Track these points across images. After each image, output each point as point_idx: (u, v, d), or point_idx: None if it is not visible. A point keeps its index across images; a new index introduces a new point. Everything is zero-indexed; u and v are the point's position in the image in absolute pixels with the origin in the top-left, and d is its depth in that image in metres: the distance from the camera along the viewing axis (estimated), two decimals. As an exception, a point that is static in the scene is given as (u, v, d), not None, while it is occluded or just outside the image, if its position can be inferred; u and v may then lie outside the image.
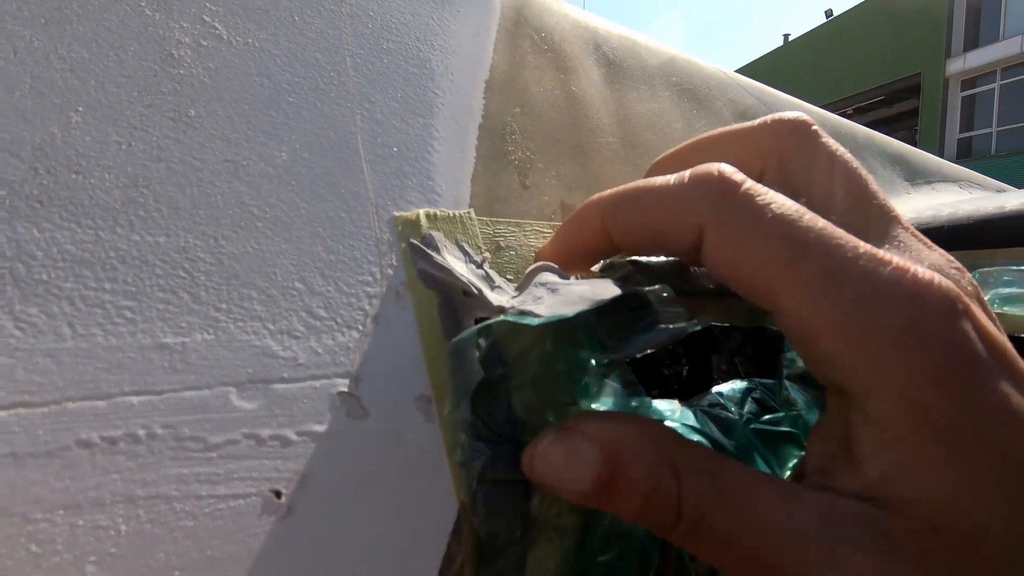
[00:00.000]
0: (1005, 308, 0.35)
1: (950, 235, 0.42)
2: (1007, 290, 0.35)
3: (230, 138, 0.26)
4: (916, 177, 0.63)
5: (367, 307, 0.27)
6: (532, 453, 0.21)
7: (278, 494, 0.22)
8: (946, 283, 0.17)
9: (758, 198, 0.18)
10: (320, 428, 0.24)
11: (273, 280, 0.25)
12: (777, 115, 0.23)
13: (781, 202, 0.18)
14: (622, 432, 0.20)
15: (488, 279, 0.29)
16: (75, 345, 0.21)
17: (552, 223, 0.35)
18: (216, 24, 0.28)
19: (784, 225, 0.17)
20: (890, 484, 0.16)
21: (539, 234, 0.34)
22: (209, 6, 0.28)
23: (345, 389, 0.25)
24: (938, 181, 0.66)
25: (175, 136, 0.25)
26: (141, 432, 0.21)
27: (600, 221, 0.23)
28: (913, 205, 0.56)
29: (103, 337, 0.21)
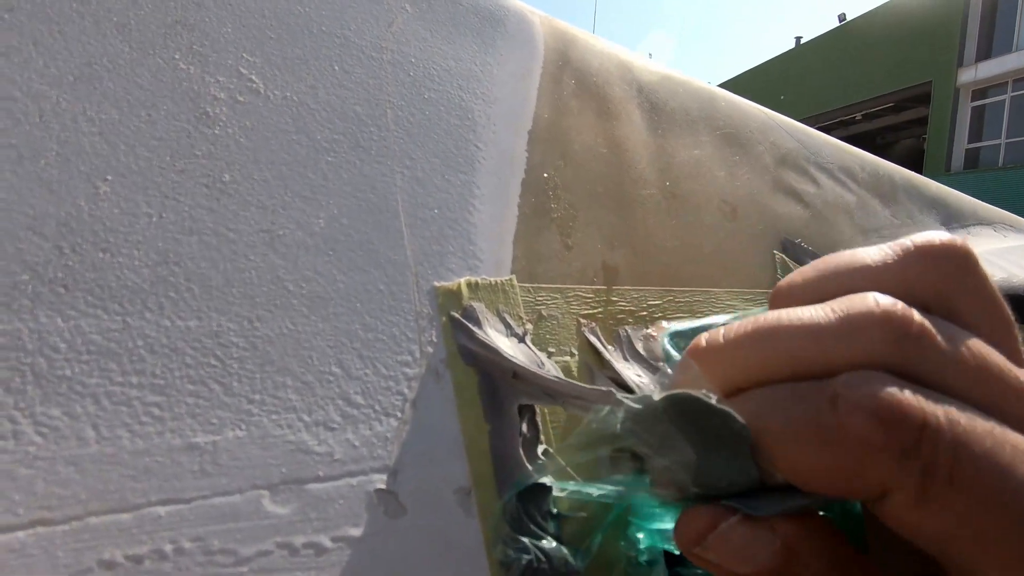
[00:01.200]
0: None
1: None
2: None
3: (266, 205, 0.24)
4: (952, 221, 0.62)
5: (406, 391, 0.25)
6: (704, 530, 0.18)
7: (312, 610, 0.21)
8: None
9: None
10: (356, 532, 0.22)
11: (309, 364, 0.23)
12: (927, 238, 0.18)
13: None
14: (803, 530, 0.18)
15: (534, 357, 0.27)
16: (99, 450, 0.19)
17: (595, 287, 0.33)
18: (253, 76, 0.26)
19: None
20: None
21: (581, 300, 0.32)
22: (247, 57, 0.26)
23: (383, 486, 0.23)
24: (973, 224, 0.64)
25: (208, 205, 0.23)
26: (168, 547, 0.19)
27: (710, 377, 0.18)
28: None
29: (129, 440, 0.19)
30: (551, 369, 0.27)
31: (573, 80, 0.37)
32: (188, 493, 0.20)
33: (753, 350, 0.17)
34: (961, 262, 0.18)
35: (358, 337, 0.25)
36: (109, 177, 0.22)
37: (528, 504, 0.24)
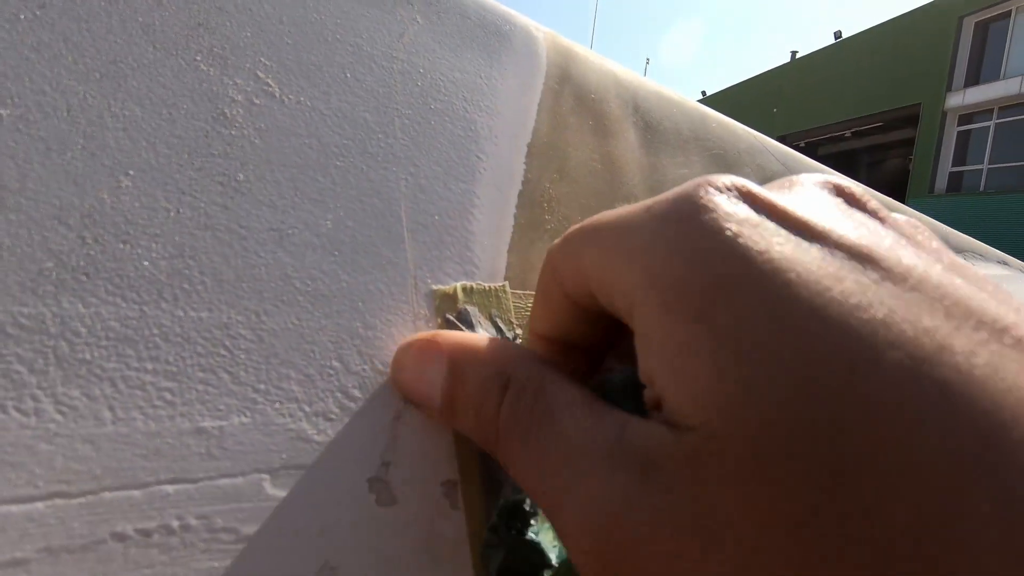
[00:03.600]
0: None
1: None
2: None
3: (277, 205, 0.26)
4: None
5: (401, 387, 0.26)
6: (392, 362, 0.21)
7: (306, 587, 0.22)
8: (686, 187, 0.16)
9: None
10: (350, 516, 0.24)
11: (311, 358, 0.25)
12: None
13: None
14: (467, 341, 0.20)
15: None
16: (114, 430, 0.20)
17: (582, 297, 0.35)
18: (269, 81, 0.27)
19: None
20: (670, 403, 0.14)
21: (569, 308, 0.34)
22: (264, 61, 0.27)
23: (375, 475, 0.25)
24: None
25: (223, 202, 0.24)
26: (175, 523, 0.20)
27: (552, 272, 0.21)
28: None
29: (143, 421, 0.21)
30: None
31: (572, 96, 0.39)
32: (195, 473, 0.21)
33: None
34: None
35: (358, 335, 0.26)
36: (131, 172, 0.23)
37: (512, 519, 0.26)
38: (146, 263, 0.22)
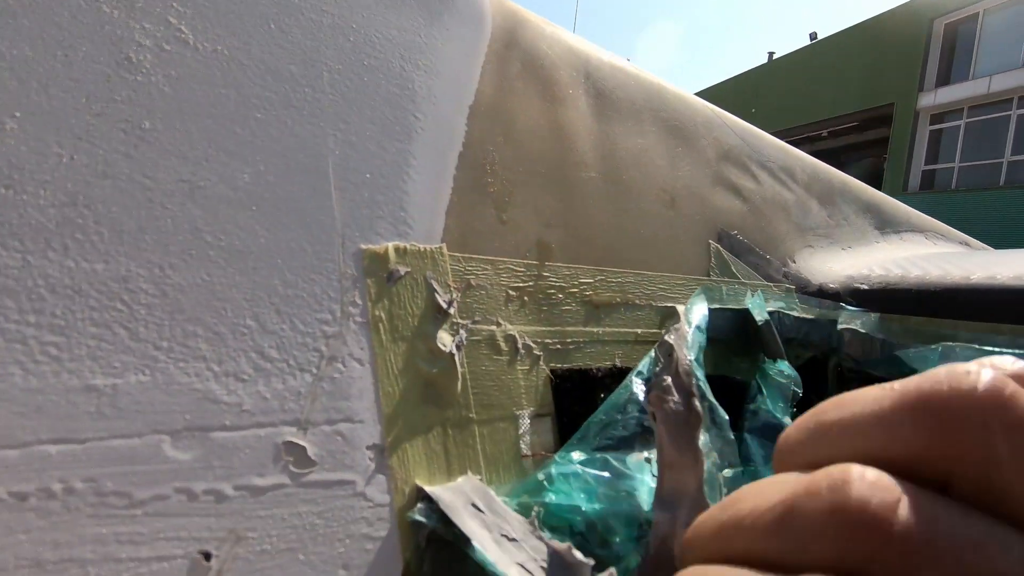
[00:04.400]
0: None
1: (917, 300, 0.43)
2: (966, 368, 0.36)
3: (188, 156, 0.24)
4: (886, 226, 0.65)
5: (323, 348, 0.25)
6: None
7: (207, 556, 0.21)
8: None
9: None
10: (261, 481, 0.22)
11: (222, 316, 0.23)
12: (935, 385, 0.13)
13: None
14: None
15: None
16: (-12, 386, 0.18)
17: (527, 262, 0.33)
18: (183, 27, 0.25)
19: None
20: None
21: (512, 273, 0.32)
22: (176, 6, 0.25)
23: (292, 439, 0.23)
24: (906, 231, 0.67)
25: (125, 150, 0.23)
26: (57, 486, 0.19)
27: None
28: (881, 256, 0.57)
29: (22, 377, 0.19)
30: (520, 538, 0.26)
31: (520, 61, 0.37)
32: (83, 433, 0.19)
33: (717, 539, 0.15)
34: (991, 418, 0.13)
35: (277, 293, 0.25)
36: (17, 114, 0.21)
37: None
38: (31, 210, 0.21)
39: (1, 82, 0.21)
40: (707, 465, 0.29)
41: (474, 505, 0.26)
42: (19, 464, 0.18)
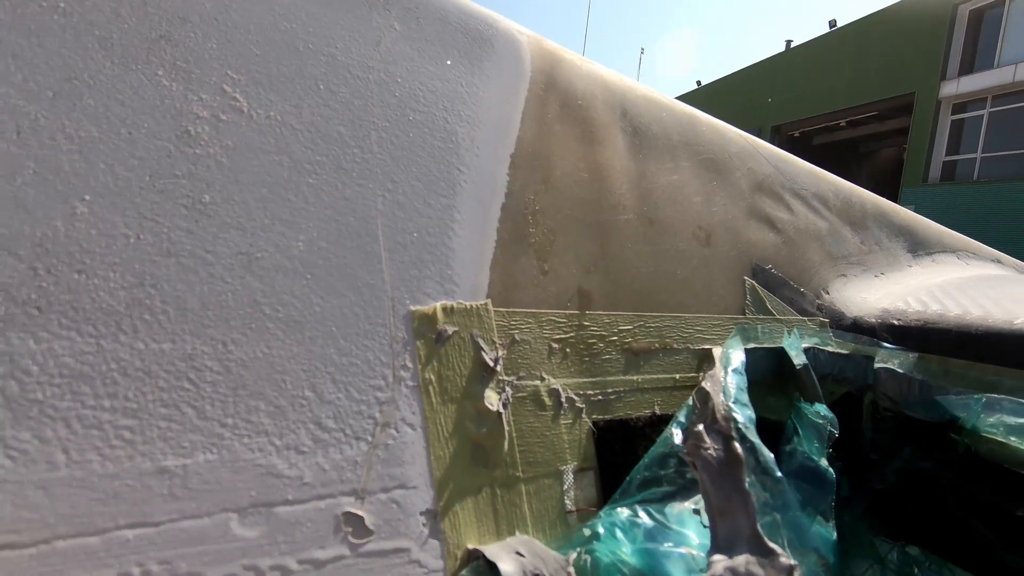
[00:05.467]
0: (1011, 438, 0.36)
1: (957, 343, 0.42)
2: (1013, 419, 0.36)
3: (245, 227, 0.25)
4: (918, 248, 0.64)
5: (377, 415, 0.25)
6: None
7: (276, 631, 0.21)
8: None
9: None
10: (322, 554, 0.23)
11: (282, 389, 0.24)
12: None
13: None
14: None
15: None
16: (69, 474, 0.19)
17: (568, 312, 0.34)
18: (237, 95, 0.26)
19: None
20: None
21: (555, 325, 0.33)
22: (231, 74, 0.26)
23: (350, 509, 0.24)
24: (938, 252, 0.66)
25: (187, 226, 0.23)
26: (135, 570, 0.19)
27: None
28: (915, 283, 0.57)
29: (99, 463, 0.20)
30: None
31: (558, 103, 0.37)
32: (157, 516, 0.20)
33: None
34: None
35: (332, 361, 0.25)
36: (87, 197, 0.22)
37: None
38: (103, 294, 0.21)
39: (71, 165, 0.22)
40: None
41: (518, 552, 0.26)
42: (100, 551, 0.19)
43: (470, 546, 0.26)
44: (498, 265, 0.31)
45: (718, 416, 0.33)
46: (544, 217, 0.34)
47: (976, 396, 0.38)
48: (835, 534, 0.36)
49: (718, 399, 0.34)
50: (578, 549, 0.27)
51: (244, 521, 0.21)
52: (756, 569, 0.26)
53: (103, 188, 0.22)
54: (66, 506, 0.19)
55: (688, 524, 0.30)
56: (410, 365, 0.27)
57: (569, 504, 0.30)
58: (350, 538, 0.23)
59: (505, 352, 0.30)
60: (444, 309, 0.29)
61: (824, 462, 0.38)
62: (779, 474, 0.33)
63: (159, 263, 0.22)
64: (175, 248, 0.23)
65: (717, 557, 0.27)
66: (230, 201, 0.24)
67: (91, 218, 0.21)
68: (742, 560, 0.26)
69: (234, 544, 0.21)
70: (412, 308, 0.28)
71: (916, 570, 0.43)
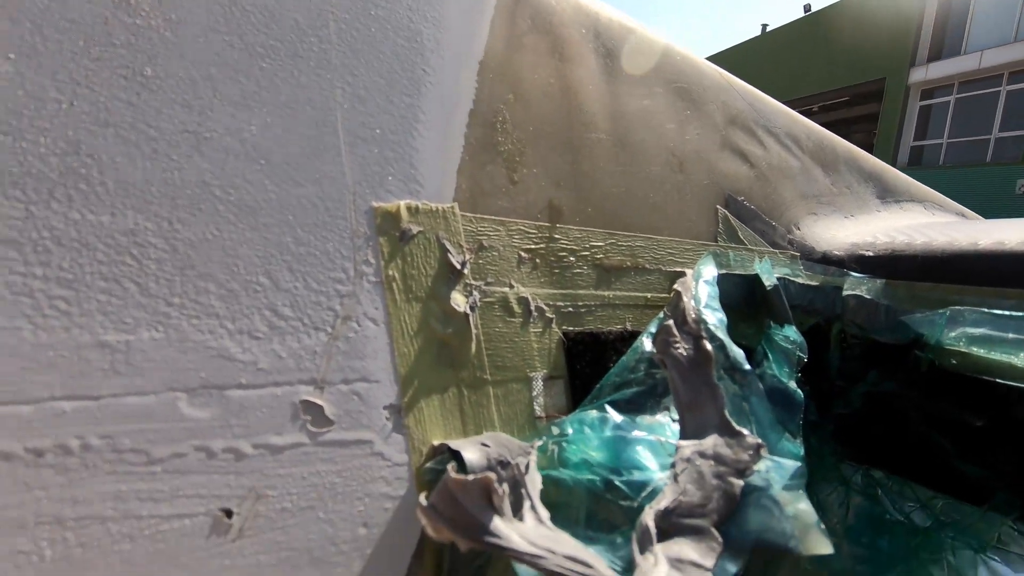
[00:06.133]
0: (972, 348, 0.36)
1: (923, 266, 0.43)
2: (975, 330, 0.36)
3: (192, 105, 0.23)
4: (887, 195, 0.65)
5: (338, 307, 0.24)
6: None
7: (229, 513, 0.20)
8: None
9: None
10: (279, 440, 0.22)
11: (234, 273, 0.22)
12: None
13: None
14: None
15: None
16: (-4, 340, 0.18)
17: (539, 223, 0.33)
18: (181, -32, 0.24)
19: None
20: None
21: (524, 235, 0.32)
22: (174, -54, 0.24)
23: (309, 397, 0.23)
24: (906, 201, 0.67)
25: (126, 98, 0.22)
26: (74, 443, 0.18)
27: None
28: (884, 224, 0.57)
29: (31, 332, 0.18)
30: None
31: (528, 17, 0.36)
32: (97, 390, 0.19)
33: None
34: None
35: (289, 250, 0.24)
36: (12, 56, 0.20)
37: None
38: (32, 158, 0.20)
39: None
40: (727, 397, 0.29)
41: (483, 444, 0.25)
42: (33, 420, 0.18)
43: (435, 442, 0.25)
44: (465, 170, 0.30)
45: (688, 318, 0.33)
46: (514, 128, 0.33)
47: (940, 312, 0.38)
48: (803, 450, 0.37)
49: (689, 302, 0.34)
50: (544, 438, 0.26)
51: (193, 402, 0.20)
52: (723, 450, 0.26)
53: (29, 48, 0.20)
54: (-7, 372, 0.17)
55: (658, 418, 0.30)
56: (372, 261, 0.26)
57: (539, 410, 0.30)
58: (309, 426, 0.22)
59: (472, 257, 0.29)
60: (409, 208, 0.27)
61: (793, 384, 0.39)
62: (747, 367, 0.33)
63: (96, 132, 0.21)
64: (113, 119, 0.21)
65: (685, 442, 0.27)
66: (175, 77, 0.23)
67: (17, 78, 0.20)
68: (710, 442, 0.26)
69: (182, 424, 0.20)
70: (375, 204, 0.27)
71: (879, 490, 0.44)
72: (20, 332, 0.18)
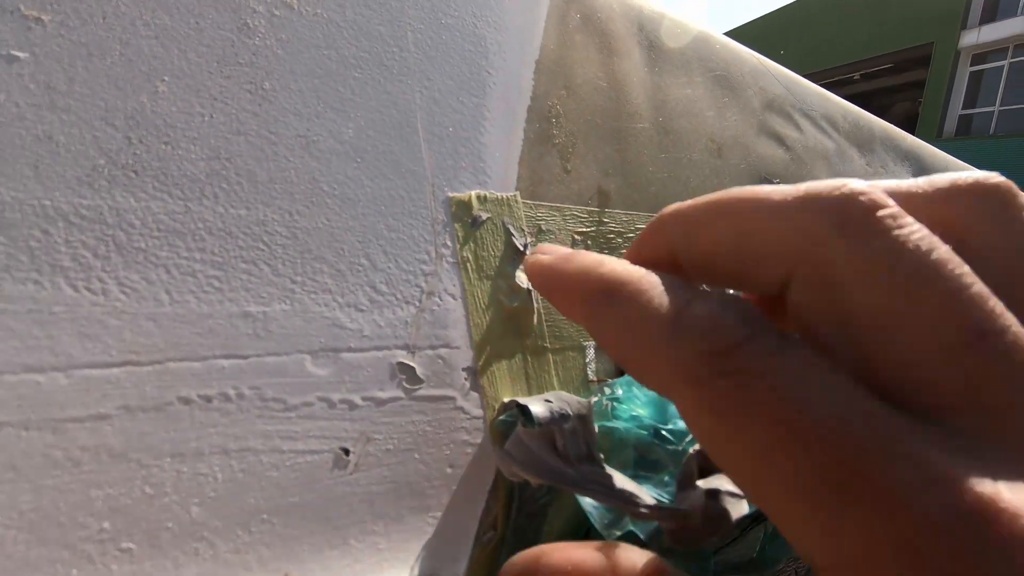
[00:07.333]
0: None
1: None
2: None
3: (302, 112, 0.27)
4: (924, 174, 0.65)
5: (423, 284, 0.29)
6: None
7: (346, 451, 0.25)
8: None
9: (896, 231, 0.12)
10: (382, 394, 0.26)
11: (341, 255, 0.27)
12: (969, 177, 0.15)
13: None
14: None
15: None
16: (172, 311, 0.22)
17: (589, 208, 0.36)
18: (287, -8, 0.28)
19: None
20: None
21: (577, 219, 0.35)
22: (281, -27, 0.28)
23: (404, 359, 0.27)
24: (942, 178, 0.68)
25: (252, 109, 0.26)
26: (231, 392, 0.23)
27: (666, 241, 0.18)
28: (917, 203, 0.59)
29: (196, 304, 0.23)
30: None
31: (579, 14, 0.39)
32: (245, 351, 0.23)
33: (697, 225, 0.17)
34: (1001, 203, 0.14)
35: (383, 236, 0.28)
36: (166, 78, 0.24)
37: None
38: (186, 163, 0.24)
39: (151, 49, 0.24)
40: None
41: (547, 400, 0.29)
42: (202, 373, 0.22)
43: (505, 399, 0.29)
44: (525, 162, 0.34)
45: None
46: (566, 121, 0.37)
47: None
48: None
49: None
50: (598, 395, 0.30)
51: (316, 362, 0.25)
52: None
53: (179, 71, 0.24)
54: (172, 336, 0.22)
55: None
56: (449, 244, 0.30)
57: (591, 375, 0.34)
58: (404, 384, 0.27)
59: (533, 239, 0.33)
60: (478, 197, 0.31)
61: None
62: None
63: (231, 140, 0.25)
64: (243, 128, 0.25)
65: None
66: (287, 89, 0.27)
67: (171, 96, 0.24)
68: None
69: (309, 379, 0.24)
70: (451, 195, 0.30)
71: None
72: (188, 304, 0.22)
